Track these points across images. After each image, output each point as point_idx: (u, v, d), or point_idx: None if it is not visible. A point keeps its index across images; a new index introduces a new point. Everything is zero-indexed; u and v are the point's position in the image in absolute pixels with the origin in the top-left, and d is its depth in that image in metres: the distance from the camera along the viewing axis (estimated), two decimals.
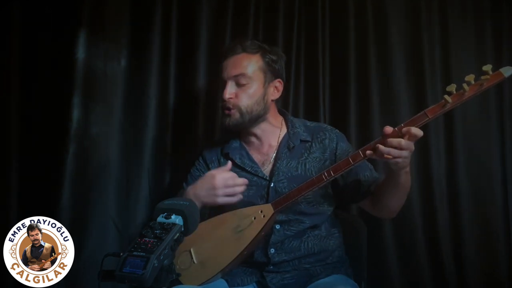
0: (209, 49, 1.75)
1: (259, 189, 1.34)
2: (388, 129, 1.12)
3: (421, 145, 1.70)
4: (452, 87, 1.08)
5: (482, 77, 1.07)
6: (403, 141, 1.09)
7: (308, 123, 1.46)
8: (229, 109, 1.32)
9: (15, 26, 1.65)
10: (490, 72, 1.06)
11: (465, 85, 1.07)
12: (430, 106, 1.13)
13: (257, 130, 1.39)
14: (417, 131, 1.09)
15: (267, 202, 1.31)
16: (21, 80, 1.65)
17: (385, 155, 1.10)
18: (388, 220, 1.66)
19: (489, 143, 1.69)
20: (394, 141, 1.09)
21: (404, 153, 1.10)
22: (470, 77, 1.06)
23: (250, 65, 1.33)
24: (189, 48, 1.74)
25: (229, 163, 1.31)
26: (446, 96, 1.08)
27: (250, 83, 1.32)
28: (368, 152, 1.14)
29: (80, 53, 1.61)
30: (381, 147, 1.11)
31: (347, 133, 1.67)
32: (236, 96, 1.32)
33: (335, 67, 1.78)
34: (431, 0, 1.74)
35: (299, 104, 1.77)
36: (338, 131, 1.43)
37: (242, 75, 1.32)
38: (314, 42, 1.76)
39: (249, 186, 1.33)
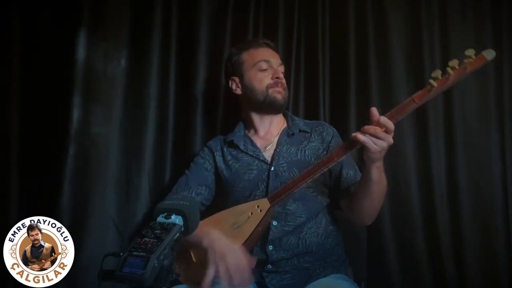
0: (209, 49, 1.75)
1: (260, 173, 1.38)
2: (374, 111, 1.12)
3: (421, 145, 1.70)
4: (437, 73, 1.09)
5: (465, 61, 1.08)
6: (378, 129, 1.11)
7: (307, 121, 1.55)
8: (282, 87, 1.44)
9: (15, 26, 1.65)
10: (473, 56, 1.08)
11: (449, 70, 1.09)
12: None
13: (274, 119, 1.48)
14: (386, 122, 1.11)
15: (267, 185, 1.35)
16: (21, 80, 1.65)
17: (363, 139, 1.11)
18: (388, 220, 1.66)
19: (489, 143, 1.69)
20: (371, 128, 1.11)
21: (380, 142, 1.11)
22: (454, 62, 1.08)
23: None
24: (189, 48, 1.74)
25: (255, 260, 1.21)
26: (431, 81, 1.10)
27: (283, 75, 1.48)
28: (353, 134, 1.14)
29: (80, 53, 1.61)
30: (366, 128, 1.12)
31: (347, 132, 1.67)
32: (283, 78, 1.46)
33: (335, 67, 1.78)
34: (431, 0, 1.74)
35: (299, 104, 1.77)
36: (334, 129, 1.50)
37: (282, 65, 1.49)
38: (314, 42, 1.76)
39: (250, 170, 1.39)
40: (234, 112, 1.71)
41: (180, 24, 1.74)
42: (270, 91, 1.42)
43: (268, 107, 1.44)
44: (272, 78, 1.43)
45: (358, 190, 1.28)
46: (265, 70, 1.44)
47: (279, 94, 1.43)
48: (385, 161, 1.60)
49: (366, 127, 1.12)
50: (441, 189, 1.68)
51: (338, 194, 1.38)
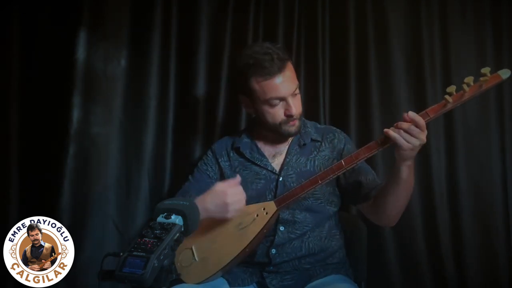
0: (209, 49, 1.75)
1: (268, 183, 1.35)
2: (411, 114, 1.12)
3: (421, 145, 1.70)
4: (452, 88, 1.10)
5: (481, 79, 1.10)
6: (413, 127, 1.10)
7: (319, 125, 1.50)
8: (296, 119, 1.32)
9: (15, 26, 1.65)
10: (489, 74, 1.09)
11: (465, 86, 1.10)
12: (430, 106, 1.14)
13: None
14: (416, 117, 1.10)
15: (275, 195, 1.32)
16: (21, 80, 1.65)
17: (393, 136, 1.10)
18: None
19: (489, 143, 1.69)
20: (404, 124, 1.11)
21: (411, 139, 1.10)
22: (469, 79, 1.09)
23: (294, 72, 1.33)
24: (189, 48, 1.74)
25: (238, 177, 1.27)
26: (447, 97, 1.11)
27: (299, 91, 1.34)
28: (385, 130, 1.13)
29: (80, 53, 1.61)
30: (400, 124, 1.11)
31: (347, 132, 1.67)
32: (295, 107, 1.31)
33: (335, 67, 1.78)
34: (431, 0, 1.74)
35: None
36: (346, 135, 1.47)
37: (297, 86, 1.32)
38: (314, 42, 1.76)
39: (258, 179, 1.36)
40: (234, 111, 1.71)
41: (180, 24, 1.74)
42: (283, 126, 1.32)
43: (281, 136, 1.38)
44: (284, 114, 1.30)
45: (385, 191, 1.24)
46: (277, 104, 1.30)
47: (292, 127, 1.33)
48: (385, 161, 1.60)
49: (400, 122, 1.11)
50: (441, 189, 1.68)
51: (359, 199, 1.35)
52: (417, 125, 1.10)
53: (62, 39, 1.63)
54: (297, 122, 1.34)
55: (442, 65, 1.72)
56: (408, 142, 1.10)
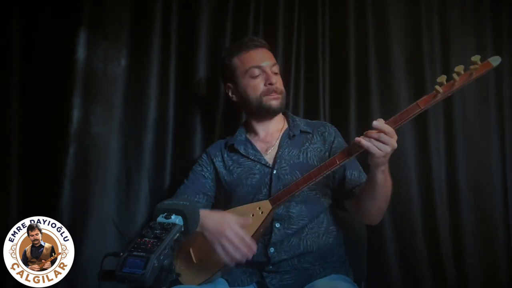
0: (209, 49, 1.76)
1: (262, 177, 1.37)
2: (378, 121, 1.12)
3: (421, 145, 1.70)
4: (442, 78, 1.10)
5: (471, 67, 1.09)
6: (382, 134, 1.10)
7: (309, 120, 1.53)
8: (276, 92, 1.40)
9: (15, 26, 1.65)
10: (479, 62, 1.08)
11: (455, 75, 1.09)
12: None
13: (273, 121, 1.46)
14: (384, 126, 1.10)
15: (270, 189, 1.34)
16: (21, 80, 1.65)
17: (366, 144, 1.11)
18: (388, 220, 1.66)
19: (489, 143, 1.69)
20: (374, 132, 1.11)
21: (383, 146, 1.10)
22: (460, 68, 1.09)
23: (273, 57, 1.46)
24: (189, 48, 1.74)
25: (250, 219, 1.24)
26: (437, 87, 1.10)
27: (279, 73, 1.45)
28: (356, 139, 1.13)
29: (80, 53, 1.61)
30: (369, 133, 1.12)
31: (347, 132, 1.68)
32: (276, 80, 1.41)
33: (335, 67, 1.78)
34: (431, 0, 1.74)
35: (299, 104, 1.77)
36: (336, 129, 1.49)
37: (276, 64, 1.45)
38: (314, 42, 1.76)
39: (252, 174, 1.38)
40: (233, 112, 1.71)
41: (180, 24, 1.74)
42: (264, 98, 1.39)
43: (265, 113, 1.43)
44: (265, 85, 1.39)
45: (364, 194, 1.27)
46: (257, 76, 1.40)
47: (274, 100, 1.40)
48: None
49: (369, 131, 1.12)
50: (441, 189, 1.68)
51: (343, 195, 1.37)
52: (386, 133, 1.10)
53: (62, 39, 1.63)
54: (278, 95, 1.41)
55: (442, 65, 1.71)
56: (380, 149, 1.11)
